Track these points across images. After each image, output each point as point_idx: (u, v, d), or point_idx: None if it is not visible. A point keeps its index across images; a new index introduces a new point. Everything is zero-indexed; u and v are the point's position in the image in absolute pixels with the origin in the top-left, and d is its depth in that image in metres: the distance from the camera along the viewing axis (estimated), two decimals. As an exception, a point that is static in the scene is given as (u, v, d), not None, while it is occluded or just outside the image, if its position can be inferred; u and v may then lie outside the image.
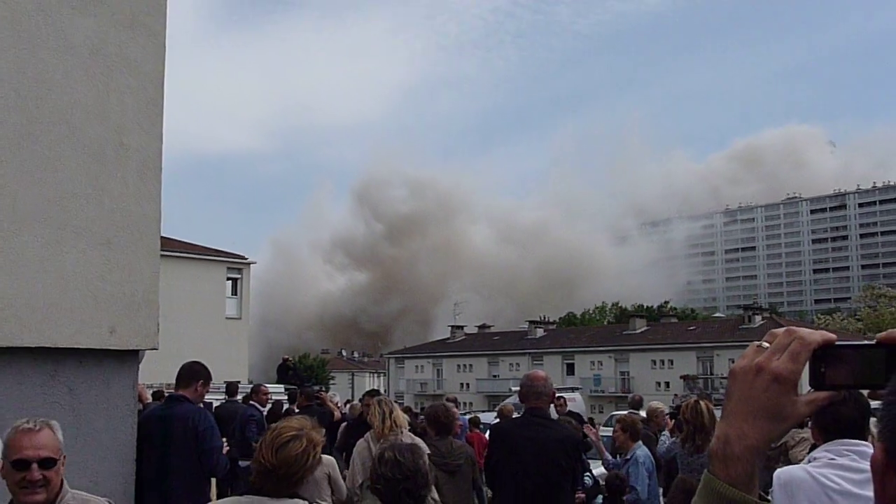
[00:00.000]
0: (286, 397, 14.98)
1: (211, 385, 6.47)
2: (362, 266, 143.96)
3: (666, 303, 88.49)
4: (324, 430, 3.75)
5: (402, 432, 6.83)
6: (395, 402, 8.62)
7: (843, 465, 3.01)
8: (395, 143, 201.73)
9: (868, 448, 3.10)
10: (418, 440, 5.97)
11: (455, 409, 7.32)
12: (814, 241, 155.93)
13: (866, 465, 3.33)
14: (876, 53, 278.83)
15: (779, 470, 3.21)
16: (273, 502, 3.18)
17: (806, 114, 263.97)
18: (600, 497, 7.75)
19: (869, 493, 3.27)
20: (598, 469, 8.76)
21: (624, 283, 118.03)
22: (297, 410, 11.06)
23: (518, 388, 6.38)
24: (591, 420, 17.90)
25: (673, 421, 10.56)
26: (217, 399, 13.13)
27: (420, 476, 3.67)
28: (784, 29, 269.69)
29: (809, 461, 3.15)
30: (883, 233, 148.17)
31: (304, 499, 3.32)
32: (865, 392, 1.17)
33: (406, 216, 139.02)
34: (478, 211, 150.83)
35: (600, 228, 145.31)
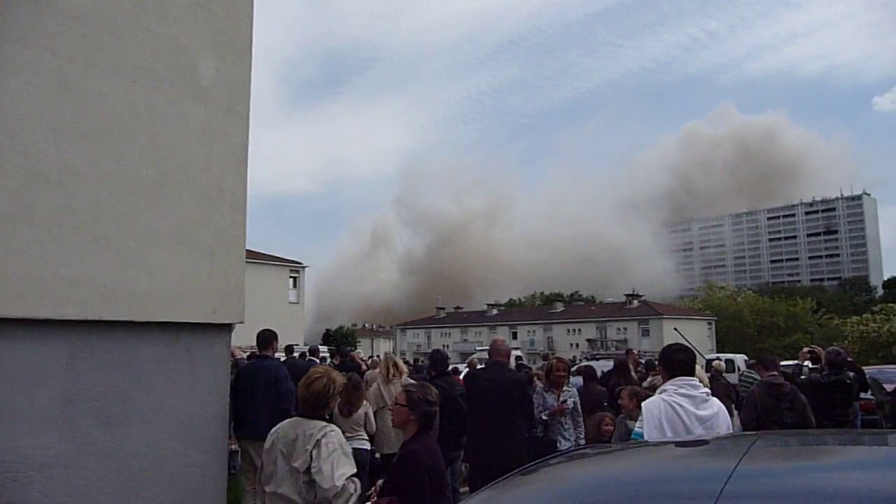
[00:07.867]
0: (328, 355, 14.94)
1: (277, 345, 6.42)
2: (385, 265, 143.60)
3: (576, 291, 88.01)
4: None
5: (402, 376, 6.63)
6: (400, 357, 8.49)
7: (683, 393, 3.07)
8: (407, 183, 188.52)
9: (695, 381, 3.17)
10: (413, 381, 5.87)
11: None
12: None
13: (697, 392, 3.33)
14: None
15: (644, 401, 3.26)
16: (307, 421, 3.18)
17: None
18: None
19: (701, 411, 3.27)
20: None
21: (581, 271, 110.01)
22: (336, 363, 10.94)
23: (482, 349, 6.43)
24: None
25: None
26: (279, 355, 13.01)
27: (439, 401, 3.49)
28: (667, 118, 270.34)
29: (661, 392, 3.18)
30: (713, 246, 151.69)
31: (327, 420, 3.28)
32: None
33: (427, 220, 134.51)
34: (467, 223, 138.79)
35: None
